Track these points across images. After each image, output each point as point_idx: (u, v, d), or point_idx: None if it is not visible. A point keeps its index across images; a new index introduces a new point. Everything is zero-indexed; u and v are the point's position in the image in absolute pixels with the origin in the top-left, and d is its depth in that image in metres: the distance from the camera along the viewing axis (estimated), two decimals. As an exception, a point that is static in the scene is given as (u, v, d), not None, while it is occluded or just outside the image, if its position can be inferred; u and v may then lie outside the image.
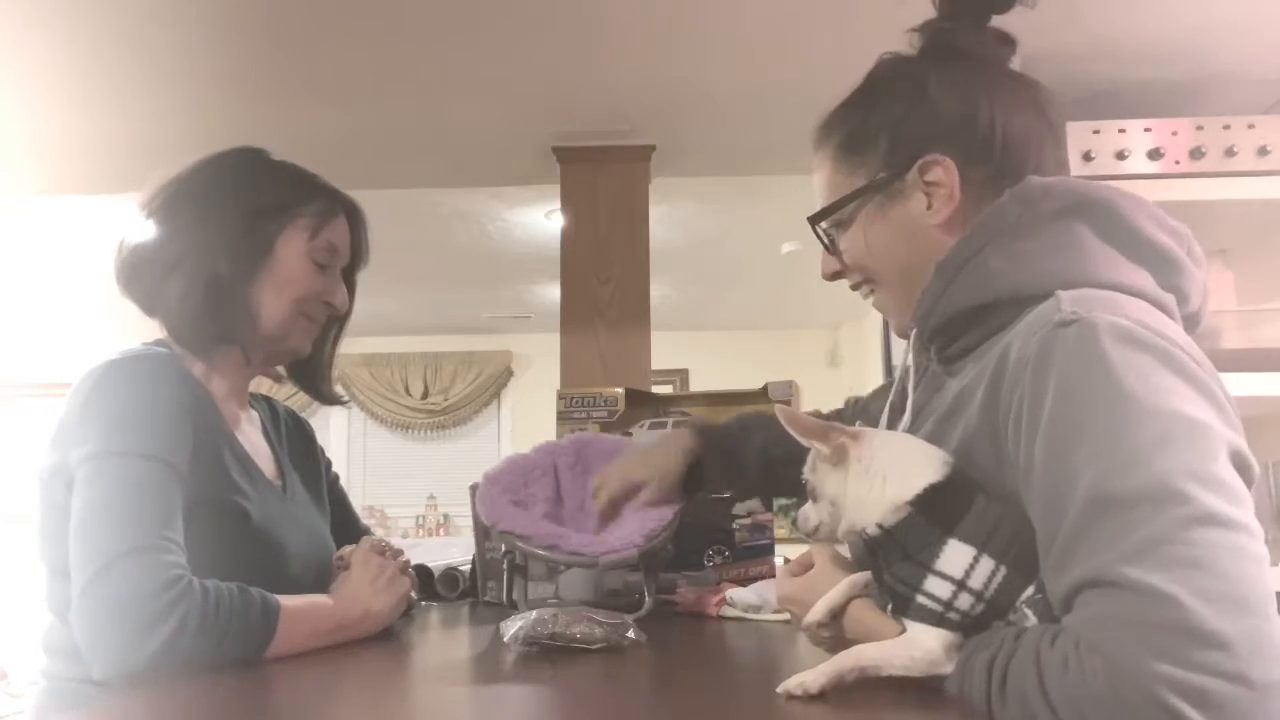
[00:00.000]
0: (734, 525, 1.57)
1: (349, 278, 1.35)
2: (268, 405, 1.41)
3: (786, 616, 1.19)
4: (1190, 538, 0.65)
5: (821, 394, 6.51)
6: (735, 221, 4.21)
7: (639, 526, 1.22)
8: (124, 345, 1.15)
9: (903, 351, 1.04)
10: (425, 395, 6.74)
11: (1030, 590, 0.74)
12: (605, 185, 2.68)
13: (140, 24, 1.99)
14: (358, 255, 1.35)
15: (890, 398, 1.06)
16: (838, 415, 1.32)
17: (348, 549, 1.25)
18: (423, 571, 1.53)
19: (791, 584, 0.95)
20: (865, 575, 0.86)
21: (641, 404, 1.81)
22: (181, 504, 1.04)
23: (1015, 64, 0.98)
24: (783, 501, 1.55)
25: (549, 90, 2.36)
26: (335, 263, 1.30)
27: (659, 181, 2.77)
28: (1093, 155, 2.04)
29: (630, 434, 1.73)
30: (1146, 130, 2.06)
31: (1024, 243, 0.85)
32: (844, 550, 0.91)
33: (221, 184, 1.24)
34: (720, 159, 2.92)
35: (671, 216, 4.03)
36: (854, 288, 1.02)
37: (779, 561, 1.57)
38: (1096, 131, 2.05)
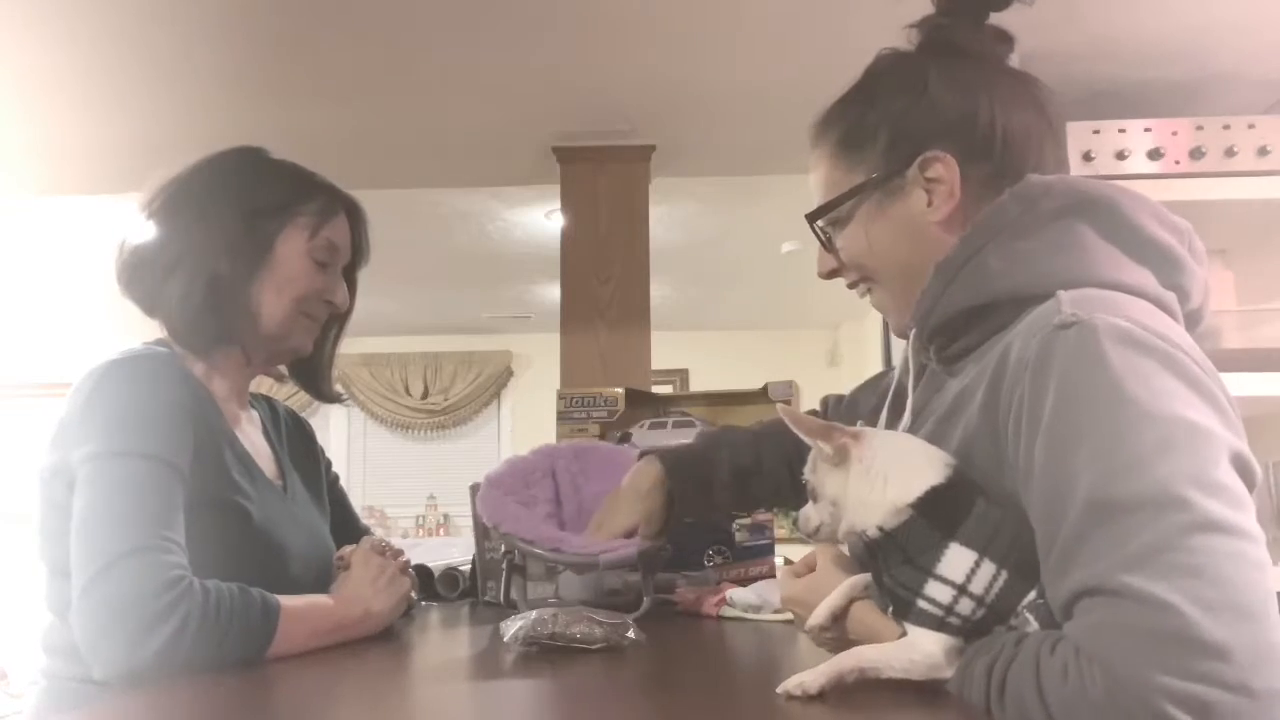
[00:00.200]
0: (734, 525, 1.57)
1: (350, 276, 1.35)
2: (268, 405, 1.41)
3: (787, 616, 1.19)
4: (1190, 545, 0.64)
5: (821, 394, 6.49)
6: (735, 221, 4.21)
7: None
8: (124, 345, 1.15)
9: (902, 351, 1.03)
10: (425, 395, 6.74)
11: (1032, 595, 0.74)
12: (605, 185, 2.68)
13: (140, 24, 1.99)
14: (358, 253, 1.35)
15: (889, 398, 1.06)
16: (814, 415, 1.32)
17: (348, 549, 1.25)
18: (423, 571, 1.53)
19: (794, 585, 0.95)
20: (866, 577, 0.85)
21: (641, 404, 1.81)
22: (182, 504, 1.04)
23: (1014, 62, 0.98)
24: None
25: (549, 90, 2.37)
26: (336, 261, 1.30)
27: (659, 181, 2.77)
28: (1093, 155, 2.04)
29: (630, 434, 1.73)
30: (1146, 130, 2.06)
31: (1024, 242, 0.84)
32: (846, 550, 0.91)
33: (221, 184, 1.24)
34: (720, 159, 2.92)
35: (671, 216, 4.03)
36: (851, 286, 1.02)
37: (779, 561, 1.57)
38: (1096, 131, 2.05)
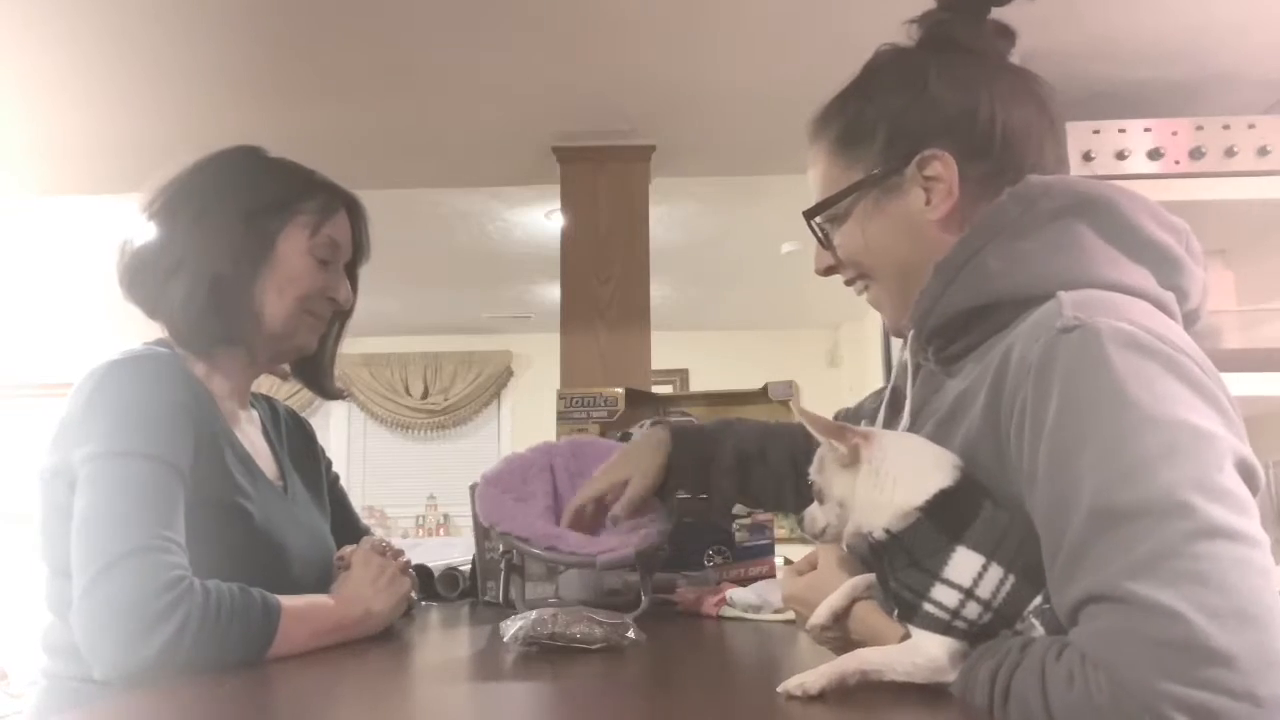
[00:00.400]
0: (734, 525, 1.57)
1: (351, 272, 1.35)
2: (268, 405, 1.41)
3: (788, 616, 1.19)
4: (1195, 551, 0.64)
5: (821, 394, 6.52)
6: (735, 221, 4.21)
7: (638, 526, 1.23)
8: (125, 345, 1.15)
9: (899, 349, 1.03)
10: (425, 395, 6.74)
11: (1038, 600, 0.74)
12: (605, 185, 2.68)
13: (140, 24, 1.99)
14: (359, 250, 1.35)
15: (886, 397, 1.06)
16: None
17: (348, 549, 1.25)
18: (423, 571, 1.53)
19: (796, 583, 0.95)
20: (869, 577, 0.85)
21: (641, 404, 1.81)
22: (183, 504, 1.04)
23: (1014, 60, 0.97)
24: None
25: (549, 90, 2.36)
26: (337, 258, 1.30)
27: (659, 181, 2.77)
28: (1093, 155, 2.04)
29: (630, 434, 1.73)
30: (1146, 130, 2.06)
31: (1024, 242, 0.84)
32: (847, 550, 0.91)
33: (220, 184, 1.24)
34: (720, 159, 2.92)
35: (671, 216, 4.03)
36: (848, 283, 1.01)
37: (779, 561, 1.57)
38: (1096, 131, 2.05)
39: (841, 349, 6.45)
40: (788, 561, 1.55)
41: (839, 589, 0.87)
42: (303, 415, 1.49)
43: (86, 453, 1.03)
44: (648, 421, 1.75)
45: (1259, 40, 2.05)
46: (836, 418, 1.35)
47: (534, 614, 1.02)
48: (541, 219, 4.12)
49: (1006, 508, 0.77)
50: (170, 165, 1.26)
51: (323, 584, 1.20)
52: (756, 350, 6.34)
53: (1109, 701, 0.63)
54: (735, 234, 4.39)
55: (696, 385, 6.18)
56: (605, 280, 2.64)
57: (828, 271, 1.02)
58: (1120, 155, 2.04)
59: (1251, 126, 2.04)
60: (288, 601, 1.05)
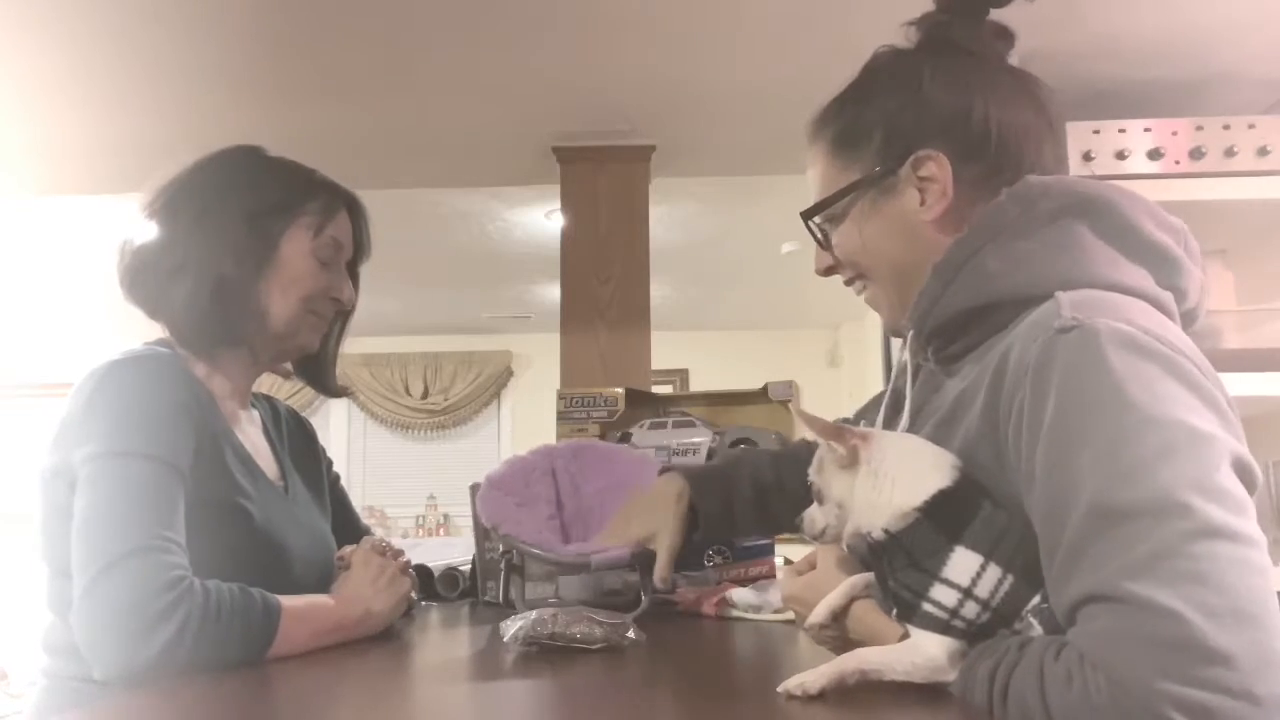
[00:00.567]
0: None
1: (352, 271, 1.35)
2: (269, 405, 1.41)
3: (788, 616, 1.19)
4: (1193, 551, 0.64)
5: (821, 394, 6.52)
6: (735, 221, 4.21)
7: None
8: (126, 345, 1.15)
9: (899, 350, 1.03)
10: (425, 395, 6.74)
11: (1036, 599, 0.74)
12: (605, 185, 2.68)
13: (139, 24, 1.99)
14: (360, 249, 1.35)
15: (886, 397, 1.06)
16: None
17: (348, 549, 1.25)
18: (423, 571, 1.53)
19: (795, 583, 0.95)
20: (867, 576, 0.85)
21: (641, 404, 1.81)
22: (183, 504, 1.04)
23: (1014, 61, 0.97)
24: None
25: (549, 90, 2.36)
26: (339, 258, 1.30)
27: (659, 181, 2.77)
28: (1093, 155, 2.04)
29: (630, 434, 1.74)
30: (1146, 130, 2.06)
31: (1023, 243, 0.84)
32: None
33: (222, 185, 1.24)
34: (720, 159, 2.92)
35: (671, 216, 4.03)
36: (848, 283, 1.02)
37: (779, 561, 1.57)
38: (1096, 131, 2.05)
39: (841, 349, 6.45)
40: (788, 561, 1.55)
41: (837, 588, 0.87)
42: (303, 415, 1.49)
43: (87, 453, 1.03)
44: (647, 422, 1.75)
45: (1259, 40, 2.05)
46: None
47: (534, 614, 1.02)
48: (541, 219, 4.12)
49: (1005, 508, 0.77)
50: (170, 165, 1.26)
51: (323, 584, 1.20)
52: (756, 350, 6.34)
53: (1107, 701, 0.63)
54: (735, 234, 4.39)
55: (696, 385, 6.19)
56: (605, 280, 2.64)
57: (828, 271, 1.02)
58: (1120, 155, 2.04)
59: (1251, 126, 2.04)
60: (288, 601, 1.05)
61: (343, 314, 1.35)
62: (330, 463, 1.50)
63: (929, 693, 0.75)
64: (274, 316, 1.23)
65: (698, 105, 2.45)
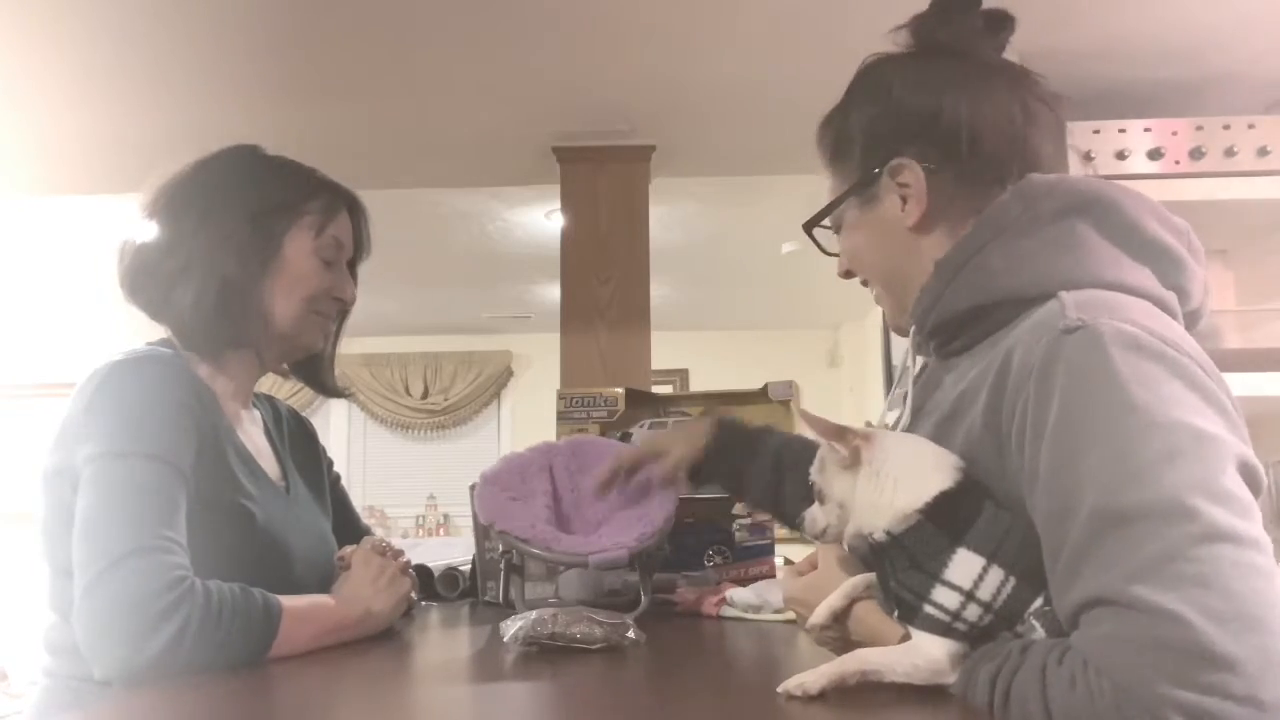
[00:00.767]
0: (734, 525, 1.57)
1: (351, 269, 1.35)
2: (270, 405, 1.41)
3: (788, 616, 1.19)
4: (1198, 555, 0.64)
5: (821, 394, 6.51)
6: (735, 221, 4.21)
7: (633, 527, 1.23)
8: (128, 346, 1.15)
9: (903, 351, 1.04)
10: (425, 395, 6.74)
11: (1039, 602, 0.73)
12: (605, 185, 2.68)
13: (139, 23, 1.99)
14: (360, 247, 1.36)
15: (890, 394, 1.06)
16: None
17: (349, 549, 1.25)
18: (423, 571, 1.53)
19: (796, 584, 0.95)
20: (868, 577, 0.85)
21: (641, 404, 1.81)
22: (185, 505, 1.04)
23: (1014, 58, 0.97)
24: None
25: (549, 90, 2.36)
26: (341, 257, 1.30)
27: (659, 181, 2.77)
28: (1093, 155, 2.04)
29: (630, 434, 1.73)
30: (1146, 130, 2.06)
31: (1025, 241, 0.84)
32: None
33: (224, 185, 1.24)
34: (720, 159, 2.92)
35: (671, 216, 4.03)
36: (863, 284, 1.04)
37: (779, 561, 1.57)
38: (1096, 131, 2.05)
39: (841, 349, 6.45)
40: (788, 561, 1.55)
41: (838, 590, 0.87)
42: (304, 415, 1.49)
43: (89, 453, 1.03)
44: (647, 421, 1.75)
45: (1259, 40, 2.05)
46: None
47: (534, 614, 1.02)
48: (541, 219, 4.12)
49: (1009, 510, 0.77)
50: (170, 165, 1.25)
51: (324, 584, 1.20)
52: (756, 350, 6.34)
53: (1111, 706, 0.62)
54: (735, 234, 4.38)
55: (696, 385, 6.18)
56: (605, 280, 2.63)
57: (846, 275, 1.04)
58: (1120, 155, 2.04)
59: (1251, 126, 2.04)
60: (289, 602, 1.05)
61: (343, 313, 1.35)
62: (331, 463, 1.50)
63: (930, 693, 0.75)
64: (278, 317, 1.23)
65: (698, 105, 2.45)
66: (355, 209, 1.34)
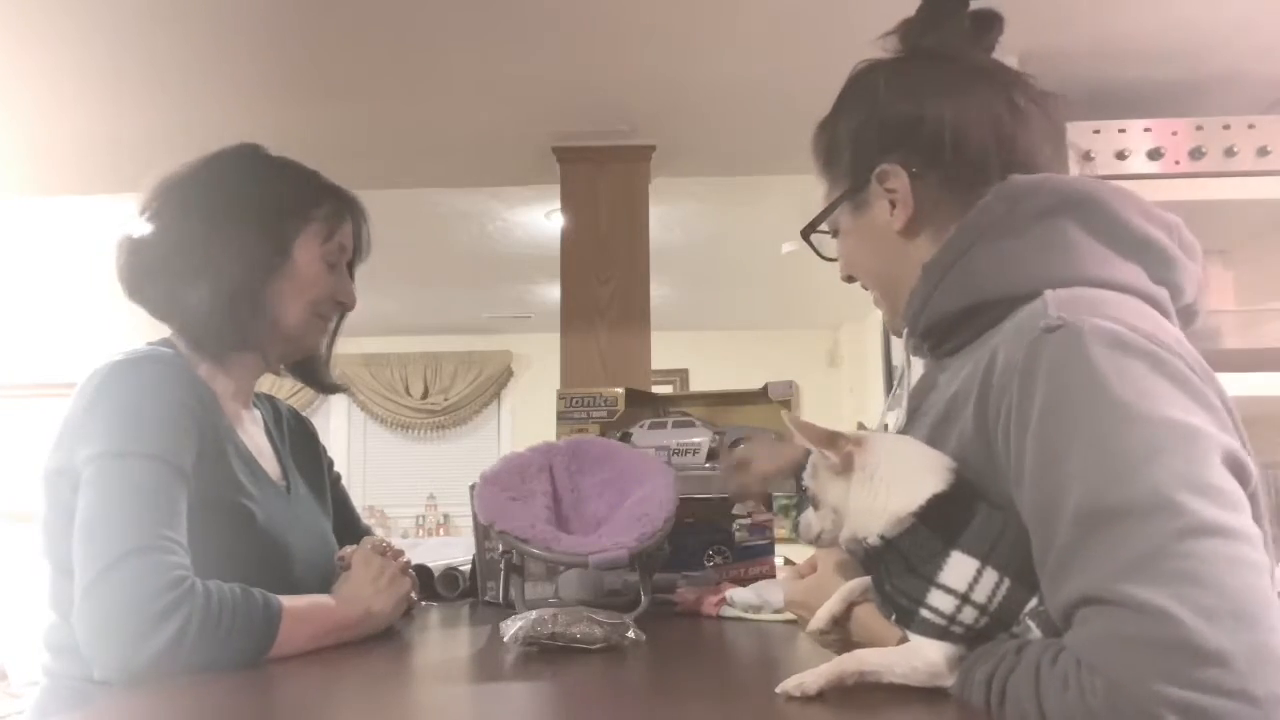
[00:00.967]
0: (734, 525, 1.57)
1: (350, 270, 1.35)
2: (270, 405, 1.41)
3: (787, 616, 1.19)
4: (1185, 550, 0.63)
5: (821, 394, 6.50)
6: (735, 221, 4.21)
7: (633, 527, 1.23)
8: (129, 346, 1.15)
9: (903, 351, 1.04)
10: (425, 395, 6.74)
11: (1034, 602, 0.74)
12: (605, 185, 2.68)
13: (138, 23, 1.99)
14: (358, 250, 1.36)
15: (890, 395, 1.07)
16: None
17: (349, 549, 1.25)
18: (423, 571, 1.53)
19: (797, 587, 0.95)
20: (865, 581, 0.85)
21: (641, 404, 1.81)
22: (186, 505, 1.04)
23: (1013, 60, 0.97)
24: (783, 501, 1.55)
25: (549, 90, 2.36)
26: (343, 261, 1.31)
27: (659, 181, 2.77)
28: (1093, 155, 2.04)
29: (630, 434, 1.73)
30: (1146, 130, 2.06)
31: (1010, 241, 0.84)
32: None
33: (232, 186, 1.24)
34: (720, 159, 2.92)
35: (671, 216, 4.03)
36: (864, 287, 1.04)
37: (779, 561, 1.57)
38: (1096, 131, 2.05)
39: (841, 349, 6.45)
40: (788, 562, 1.55)
41: (836, 594, 0.87)
42: (304, 415, 1.49)
43: (90, 453, 1.03)
44: (647, 421, 1.75)
45: (1259, 40, 2.05)
46: None
47: (534, 614, 1.02)
48: (541, 219, 4.12)
49: (1002, 511, 0.77)
50: (171, 164, 1.25)
51: (325, 584, 1.20)
52: (756, 350, 6.34)
53: (1103, 704, 0.62)
54: (735, 234, 4.38)
55: (696, 385, 6.18)
56: (605, 280, 2.63)
57: (849, 279, 1.05)
58: (1120, 155, 2.04)
59: (1251, 126, 2.04)
60: (289, 602, 1.05)
61: (341, 315, 1.36)
62: (331, 462, 1.50)
63: (928, 693, 0.75)
64: (284, 319, 1.24)
65: (698, 105, 2.45)
66: (357, 213, 1.35)
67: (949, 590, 0.74)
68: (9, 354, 6.00)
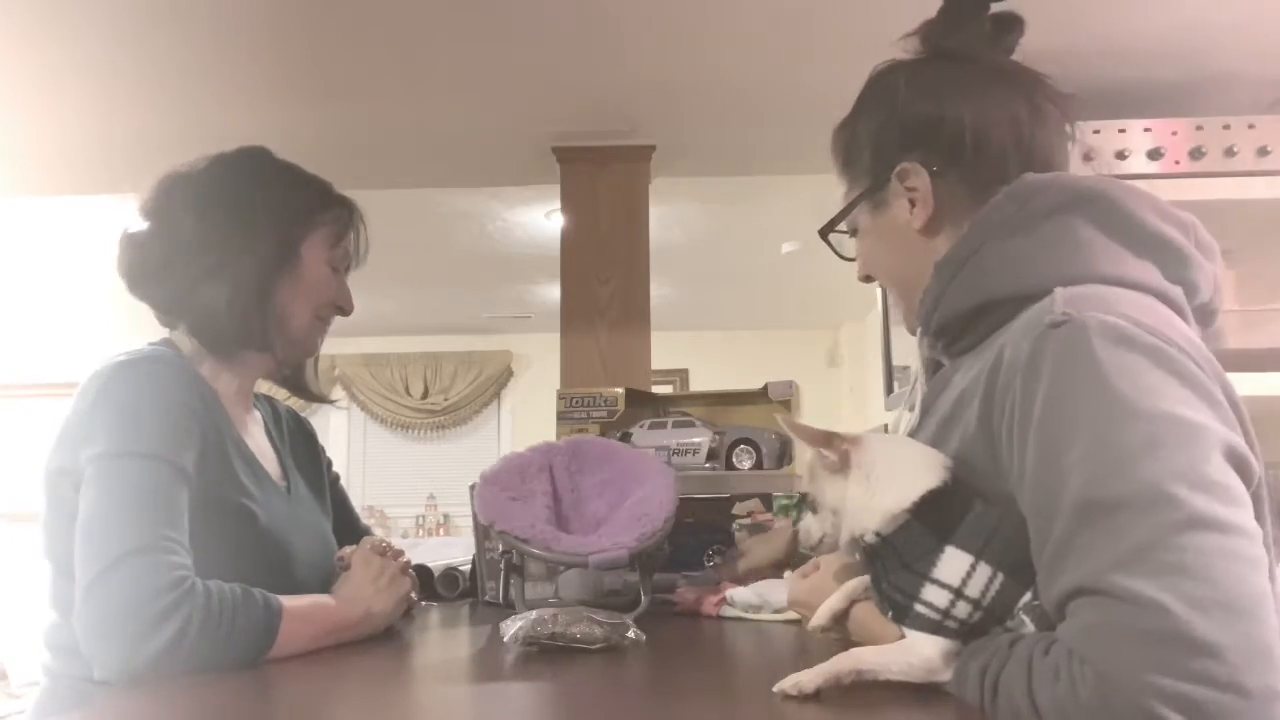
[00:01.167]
0: (734, 525, 1.57)
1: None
2: (269, 405, 1.41)
3: (789, 616, 1.19)
4: (1180, 543, 0.64)
5: (821, 394, 6.50)
6: (735, 221, 4.20)
7: (633, 527, 1.23)
8: (130, 346, 1.16)
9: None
10: (425, 395, 6.74)
11: (1028, 597, 0.74)
12: (605, 185, 2.67)
13: (138, 23, 1.99)
14: (356, 257, 1.37)
15: (907, 395, 1.07)
16: None
17: (349, 549, 1.25)
18: (423, 571, 1.53)
19: (800, 587, 0.96)
20: (867, 579, 0.86)
21: (641, 404, 1.81)
22: (188, 505, 1.04)
23: (1018, 58, 0.97)
24: (783, 501, 1.55)
25: (549, 90, 2.36)
26: (345, 266, 1.33)
27: (659, 181, 2.77)
28: (1093, 155, 2.04)
29: (630, 434, 1.73)
30: (1146, 130, 2.06)
31: (1020, 240, 0.84)
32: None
33: (245, 188, 1.24)
34: (720, 159, 2.92)
35: (671, 216, 4.03)
36: (882, 289, 1.05)
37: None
38: (1097, 131, 2.05)
39: (841, 349, 6.45)
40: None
41: (838, 592, 0.87)
42: (303, 415, 1.49)
43: (92, 453, 1.03)
44: (647, 421, 1.75)
45: (1259, 40, 2.05)
46: None
47: (534, 614, 1.02)
48: (541, 219, 4.12)
49: (997, 506, 0.77)
50: (176, 164, 1.25)
51: (325, 585, 1.20)
52: (756, 350, 6.34)
53: (1094, 695, 0.63)
54: (735, 234, 4.38)
55: (696, 385, 6.18)
56: (605, 280, 2.63)
57: (866, 279, 1.05)
58: (1120, 155, 2.04)
59: (1251, 126, 2.04)
60: (289, 602, 1.05)
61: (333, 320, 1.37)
62: (330, 462, 1.50)
63: (925, 691, 0.75)
64: (290, 321, 1.25)
65: (698, 105, 2.44)
66: (358, 220, 1.36)
67: (943, 585, 0.75)
68: (9, 354, 6.00)
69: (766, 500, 1.58)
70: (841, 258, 1.04)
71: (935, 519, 0.77)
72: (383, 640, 1.17)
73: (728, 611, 1.32)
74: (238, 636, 0.98)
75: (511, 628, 1.01)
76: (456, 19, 2.01)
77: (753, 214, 4.05)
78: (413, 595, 1.27)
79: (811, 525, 0.86)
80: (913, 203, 0.92)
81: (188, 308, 1.21)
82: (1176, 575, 0.63)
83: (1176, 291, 0.83)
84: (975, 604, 0.74)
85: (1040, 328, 0.75)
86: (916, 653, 0.75)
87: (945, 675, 0.74)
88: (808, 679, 0.74)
